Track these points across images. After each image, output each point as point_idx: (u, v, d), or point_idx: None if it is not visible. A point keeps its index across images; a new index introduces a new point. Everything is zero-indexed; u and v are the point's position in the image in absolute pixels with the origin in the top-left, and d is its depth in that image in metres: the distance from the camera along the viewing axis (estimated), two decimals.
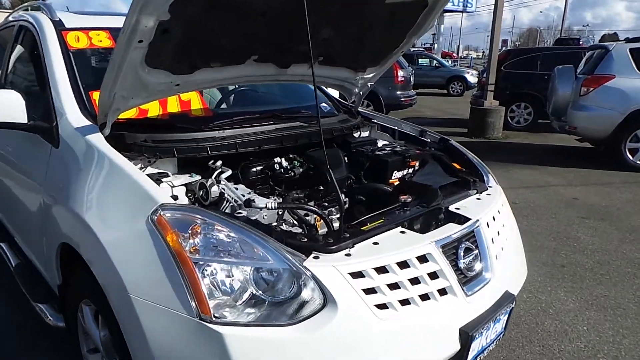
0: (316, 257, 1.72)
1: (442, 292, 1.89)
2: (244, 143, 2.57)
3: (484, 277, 2.10)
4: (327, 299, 1.65)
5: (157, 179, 2.27)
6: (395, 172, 2.75)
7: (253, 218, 1.98)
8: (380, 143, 3.36)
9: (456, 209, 2.31)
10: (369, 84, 3.40)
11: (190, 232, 1.68)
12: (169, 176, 2.36)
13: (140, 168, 2.31)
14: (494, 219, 2.36)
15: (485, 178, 2.77)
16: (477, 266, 2.09)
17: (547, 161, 8.32)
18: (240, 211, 2.07)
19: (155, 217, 1.72)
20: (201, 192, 2.30)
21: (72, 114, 2.45)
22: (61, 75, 2.58)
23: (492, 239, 2.26)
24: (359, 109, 3.66)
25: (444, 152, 3.09)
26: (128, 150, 2.30)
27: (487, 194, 2.57)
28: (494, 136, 10.42)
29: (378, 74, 3.30)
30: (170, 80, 2.27)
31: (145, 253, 1.70)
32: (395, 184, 2.70)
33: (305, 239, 1.80)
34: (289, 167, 2.58)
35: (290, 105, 3.54)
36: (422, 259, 1.89)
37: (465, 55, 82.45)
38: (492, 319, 2.03)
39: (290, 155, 2.75)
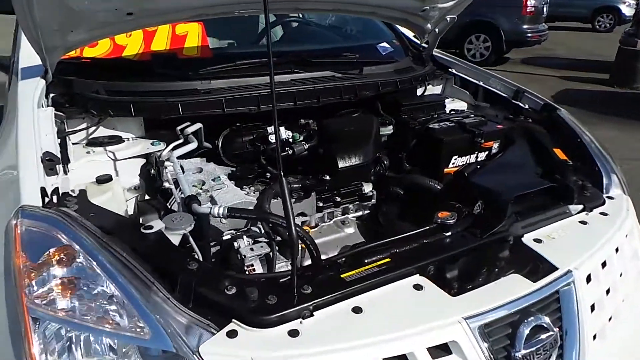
0: (232, 334, 0.99)
1: None
2: (235, 100, 1.83)
3: None
4: None
5: (101, 142, 1.66)
6: (456, 157, 1.82)
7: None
8: (452, 105, 2.39)
9: (536, 241, 1.37)
10: (448, 18, 2.35)
11: (42, 260, 1.04)
12: (121, 142, 1.74)
13: (86, 128, 1.72)
14: (604, 265, 1.38)
15: (605, 181, 1.72)
16: None
17: None
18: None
19: (13, 224, 1.11)
20: (152, 173, 1.65)
21: (26, 48, 1.89)
22: None
23: (593, 305, 1.31)
24: (435, 53, 2.64)
25: (544, 128, 2.03)
26: (74, 102, 1.71)
27: (602, 214, 1.55)
28: None
29: (462, 3, 2.24)
30: (115, 6, 1.56)
31: None
32: (452, 177, 1.79)
33: (235, 289, 1.07)
34: (290, 140, 1.79)
35: (344, 44, 2.64)
36: (440, 349, 1.06)
37: None
38: None
39: (302, 121, 1.94)
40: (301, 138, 1.79)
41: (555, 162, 1.79)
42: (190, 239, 1.35)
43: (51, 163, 1.30)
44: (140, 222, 1.46)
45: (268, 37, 1.08)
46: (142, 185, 1.70)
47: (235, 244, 1.38)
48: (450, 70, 2.56)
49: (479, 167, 1.78)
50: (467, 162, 1.86)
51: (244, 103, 1.84)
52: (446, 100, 2.50)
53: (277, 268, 1.39)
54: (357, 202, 1.79)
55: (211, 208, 1.32)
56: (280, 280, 1.10)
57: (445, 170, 1.81)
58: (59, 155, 1.52)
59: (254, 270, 1.36)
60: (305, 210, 1.65)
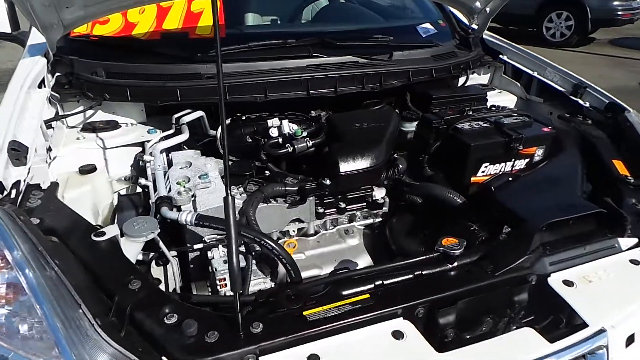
0: None
1: None
2: (240, 87, 1.66)
3: None
4: None
5: (94, 128, 1.57)
6: (487, 164, 1.54)
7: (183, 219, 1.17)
8: (498, 99, 2.08)
9: (566, 284, 1.09)
10: None
11: None
12: (117, 128, 1.63)
13: (84, 111, 1.63)
14: None
15: None
16: None
17: None
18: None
19: None
20: (141, 164, 1.53)
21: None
22: None
23: None
24: (486, 36, 2.31)
25: (606, 134, 1.68)
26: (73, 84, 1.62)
27: None
28: None
29: None
30: None
31: None
32: (477, 188, 1.52)
33: (175, 318, 0.92)
34: (292, 134, 1.59)
35: (377, 25, 2.37)
36: None
37: None
38: None
39: (314, 114, 1.74)
40: (304, 134, 1.59)
41: (611, 178, 1.46)
42: (161, 244, 1.23)
43: (17, 153, 1.21)
44: (116, 219, 1.36)
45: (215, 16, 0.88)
46: (134, 176, 1.60)
47: (210, 254, 1.23)
48: (500, 57, 2.22)
49: (510, 179, 1.49)
50: (501, 171, 1.57)
51: (250, 90, 1.67)
52: (492, 93, 2.19)
53: (252, 286, 1.23)
54: (365, 210, 1.58)
55: (179, 214, 1.18)
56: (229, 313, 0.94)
57: (473, 179, 1.54)
58: (45, 140, 1.45)
59: (225, 285, 1.21)
60: (302, 216, 1.47)
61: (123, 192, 1.54)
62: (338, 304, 0.97)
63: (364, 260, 1.49)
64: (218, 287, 1.21)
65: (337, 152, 1.44)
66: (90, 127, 1.59)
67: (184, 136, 1.53)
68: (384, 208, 1.59)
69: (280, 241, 1.41)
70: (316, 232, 1.54)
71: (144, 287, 0.97)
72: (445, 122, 1.60)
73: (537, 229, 1.15)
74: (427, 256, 1.12)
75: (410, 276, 1.08)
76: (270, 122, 1.58)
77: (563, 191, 1.38)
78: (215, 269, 1.21)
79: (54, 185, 1.27)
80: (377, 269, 1.10)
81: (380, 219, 1.61)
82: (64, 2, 1.50)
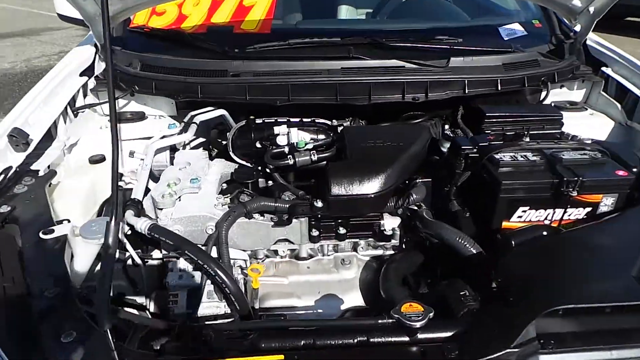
0: None
1: None
2: (263, 87, 1.56)
3: None
4: None
5: (120, 119, 1.61)
6: (526, 209, 1.22)
7: None
8: (588, 123, 1.67)
9: None
10: None
11: None
12: (141, 120, 1.66)
13: (121, 98, 1.67)
14: None
15: None
16: None
17: None
18: None
19: None
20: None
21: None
22: None
23: None
24: (591, 43, 1.87)
25: None
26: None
27: None
28: None
29: None
30: None
31: None
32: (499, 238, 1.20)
33: (73, 336, 0.86)
34: (298, 146, 1.44)
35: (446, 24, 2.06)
36: None
37: None
38: None
39: (335, 123, 1.56)
40: (309, 145, 1.42)
41: None
42: (128, 246, 1.20)
43: (17, 140, 1.27)
44: (102, 214, 1.37)
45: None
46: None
47: (170, 265, 1.17)
48: (602, 69, 1.77)
49: (545, 233, 1.15)
50: (548, 219, 1.23)
51: (272, 92, 1.56)
52: (583, 114, 1.76)
53: (204, 309, 1.13)
54: (371, 239, 1.37)
55: (137, 221, 1.13)
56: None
57: (505, 224, 1.23)
58: (66, 127, 1.52)
59: (175, 302, 1.14)
60: (292, 237, 1.32)
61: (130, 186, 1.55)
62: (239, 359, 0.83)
63: (351, 299, 1.30)
64: (169, 302, 1.14)
65: (333, 171, 1.26)
66: (118, 118, 1.63)
67: (186, 136, 1.48)
68: (392, 241, 1.36)
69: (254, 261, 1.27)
70: (311, 256, 1.38)
71: (59, 295, 0.93)
72: (479, 150, 1.30)
73: (539, 311, 0.86)
74: (382, 321, 0.91)
75: (351, 341, 0.88)
76: (277, 129, 1.45)
77: (615, 264, 1.02)
78: (168, 282, 1.14)
79: (50, 174, 1.32)
80: (317, 324, 0.92)
81: (392, 252, 1.39)
82: None
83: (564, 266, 1.01)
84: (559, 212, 1.23)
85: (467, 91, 1.60)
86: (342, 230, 1.33)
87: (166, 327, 0.95)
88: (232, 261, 1.26)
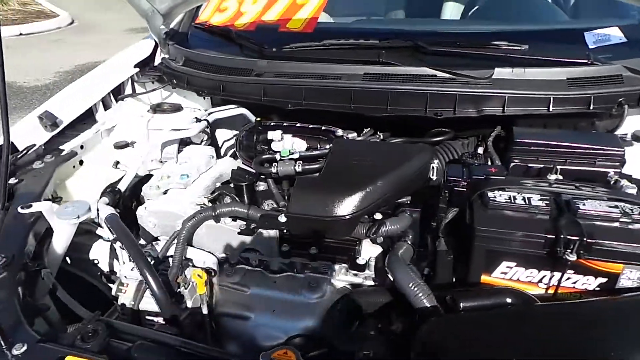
0: None
1: None
2: (279, 89, 1.53)
3: None
4: None
5: (155, 109, 1.73)
6: (512, 265, 0.97)
7: None
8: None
9: None
10: None
11: None
12: (178, 111, 1.74)
13: (147, 92, 1.80)
14: None
15: None
16: None
17: None
18: None
19: None
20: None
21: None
22: None
23: None
24: None
25: None
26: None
27: None
28: None
29: None
30: None
31: None
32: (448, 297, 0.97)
33: None
34: (282, 154, 1.35)
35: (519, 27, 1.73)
36: None
37: None
38: None
39: (340, 133, 1.44)
40: (294, 155, 1.33)
41: None
42: (100, 230, 1.27)
43: (45, 121, 1.45)
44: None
45: None
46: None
47: (122, 256, 1.22)
48: None
49: (510, 301, 0.89)
50: (544, 282, 0.96)
51: (287, 94, 1.51)
52: None
53: (147, 303, 1.15)
54: (345, 266, 1.24)
55: (102, 209, 1.21)
56: None
57: (485, 278, 1.00)
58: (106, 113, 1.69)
59: (123, 291, 1.18)
60: (260, 248, 1.27)
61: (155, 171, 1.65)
62: None
63: (305, 325, 1.19)
64: (118, 290, 1.19)
65: (298, 186, 1.17)
66: (153, 108, 1.75)
67: (189, 132, 1.51)
68: (367, 271, 1.22)
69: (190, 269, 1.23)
70: (283, 271, 1.31)
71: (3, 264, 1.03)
72: (469, 183, 1.07)
73: None
74: None
75: None
76: (270, 135, 1.39)
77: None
78: (119, 271, 1.19)
79: (70, 154, 1.47)
80: (191, 347, 0.87)
81: (370, 283, 1.24)
82: None
83: (518, 354, 0.78)
84: (556, 276, 0.95)
85: (505, 110, 1.34)
86: (313, 250, 1.24)
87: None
88: (203, 262, 1.27)
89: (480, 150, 1.41)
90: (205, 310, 1.20)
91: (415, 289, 0.98)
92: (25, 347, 0.86)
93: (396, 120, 1.45)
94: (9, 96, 1.16)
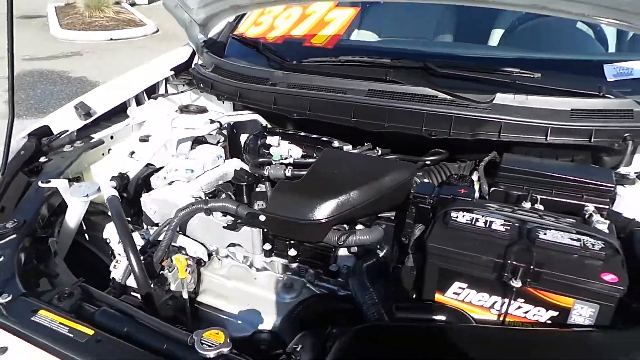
0: None
1: None
2: (287, 98, 1.61)
3: None
4: None
5: (182, 109, 1.88)
6: (464, 286, 0.96)
7: None
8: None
9: None
10: None
11: None
12: (202, 113, 1.88)
13: (175, 93, 1.95)
14: None
15: None
16: None
17: None
18: None
19: None
20: None
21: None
22: None
23: None
24: None
25: None
26: None
27: None
28: None
29: None
30: None
31: None
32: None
33: None
34: (273, 159, 1.43)
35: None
36: None
37: None
38: None
39: (336, 144, 1.48)
40: (287, 160, 1.40)
41: None
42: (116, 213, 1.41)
43: (79, 110, 1.64)
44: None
45: None
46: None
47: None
48: None
49: (444, 319, 0.88)
50: (495, 307, 0.95)
51: (294, 104, 1.59)
52: None
53: (130, 280, 1.26)
54: (320, 271, 1.28)
55: (107, 191, 1.34)
56: None
57: (438, 297, 1.00)
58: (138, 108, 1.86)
59: (117, 268, 1.30)
60: (243, 244, 1.34)
61: None
62: None
63: (274, 323, 1.25)
64: (113, 266, 1.31)
65: (278, 188, 1.23)
66: (180, 108, 1.90)
67: (199, 132, 1.63)
68: (339, 279, 1.25)
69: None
70: (265, 269, 1.37)
71: (14, 227, 1.19)
72: (435, 201, 1.08)
73: None
74: (181, 337, 0.89)
75: (157, 345, 0.89)
76: (269, 140, 1.48)
77: None
78: (113, 249, 1.31)
79: (98, 142, 1.64)
80: (149, 321, 0.95)
81: (344, 293, 1.27)
82: (188, 4, 1.82)
83: None
84: (504, 302, 0.94)
85: (500, 136, 1.33)
86: (292, 252, 1.29)
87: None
88: (194, 252, 1.37)
89: (476, 175, 1.40)
90: (185, 295, 1.29)
91: (370, 301, 1.01)
92: (9, 298, 0.99)
93: (396, 138, 1.48)
94: None
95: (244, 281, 1.36)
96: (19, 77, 5.95)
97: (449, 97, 1.43)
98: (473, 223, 1.00)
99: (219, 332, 0.86)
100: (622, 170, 1.33)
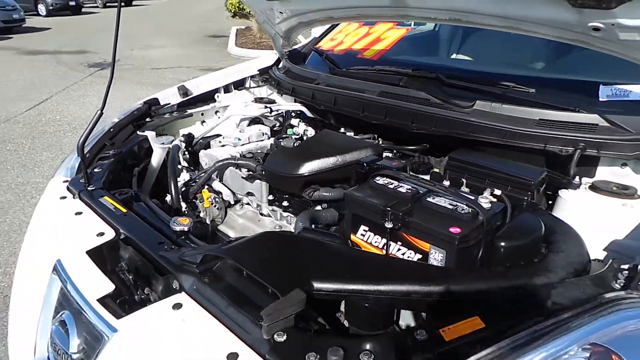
0: None
1: None
2: (322, 95, 2.03)
3: None
4: None
5: (257, 100, 2.42)
6: (366, 229, 1.25)
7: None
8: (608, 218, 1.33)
9: None
10: None
11: None
12: (270, 104, 2.39)
13: (250, 88, 2.49)
14: None
15: None
16: None
17: None
18: None
19: None
20: None
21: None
22: None
23: None
24: None
25: None
26: None
27: None
28: None
29: None
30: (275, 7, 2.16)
31: None
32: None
33: None
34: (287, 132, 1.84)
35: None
36: None
37: None
38: None
39: (342, 130, 1.82)
40: (297, 136, 1.79)
41: None
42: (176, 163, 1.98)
43: (180, 91, 2.27)
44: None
45: None
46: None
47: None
48: None
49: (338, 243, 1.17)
50: (384, 248, 1.22)
51: (324, 99, 1.99)
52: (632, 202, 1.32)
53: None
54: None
55: (168, 145, 1.90)
56: None
57: (353, 237, 1.30)
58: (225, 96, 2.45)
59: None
60: (255, 193, 1.78)
61: None
62: None
63: None
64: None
65: (275, 150, 1.64)
66: (256, 99, 2.43)
67: (250, 113, 2.11)
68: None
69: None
70: (269, 216, 1.79)
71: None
72: (367, 167, 1.37)
73: None
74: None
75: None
76: (293, 122, 1.90)
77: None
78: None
79: (187, 115, 2.25)
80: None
81: None
82: (274, 20, 2.36)
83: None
84: (389, 245, 1.20)
85: (470, 135, 1.54)
86: (285, 203, 1.70)
87: None
88: (223, 194, 1.86)
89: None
90: (208, 221, 1.78)
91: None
92: (94, 187, 1.58)
93: (394, 131, 1.77)
94: None
95: (252, 221, 1.79)
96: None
97: (439, 101, 1.68)
98: (386, 185, 1.29)
99: (187, 219, 1.31)
100: (584, 180, 1.42)
